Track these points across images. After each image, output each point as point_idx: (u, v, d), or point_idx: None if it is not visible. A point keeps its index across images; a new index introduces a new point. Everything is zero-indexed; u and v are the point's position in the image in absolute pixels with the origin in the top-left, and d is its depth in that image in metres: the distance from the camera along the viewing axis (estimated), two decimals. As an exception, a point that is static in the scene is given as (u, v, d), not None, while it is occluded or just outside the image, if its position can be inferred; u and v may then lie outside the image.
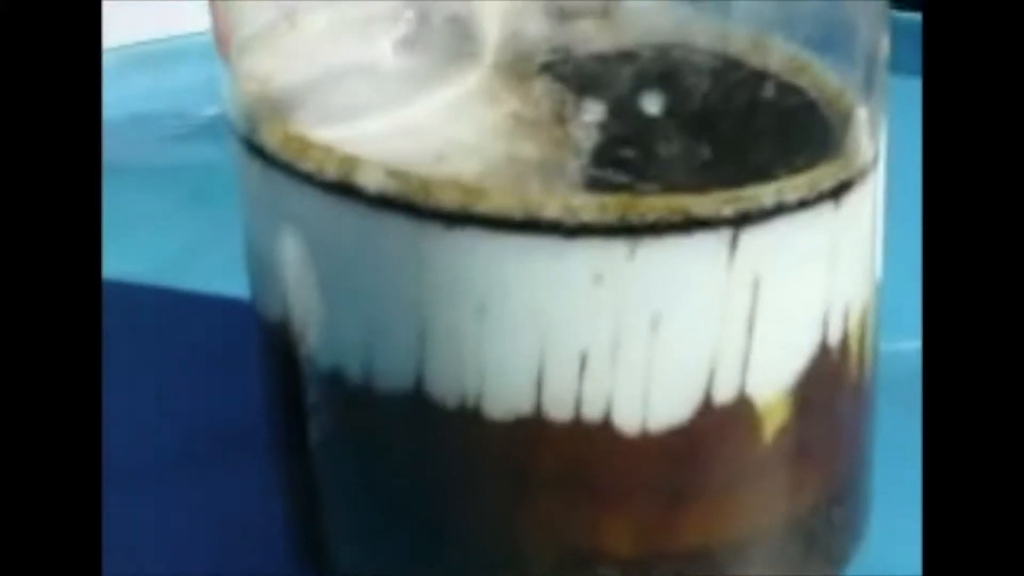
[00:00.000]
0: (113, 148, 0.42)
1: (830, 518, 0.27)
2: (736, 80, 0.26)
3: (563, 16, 0.26)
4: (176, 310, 0.36)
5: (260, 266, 0.26)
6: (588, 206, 0.23)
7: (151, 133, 0.44)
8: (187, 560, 0.30)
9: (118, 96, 0.43)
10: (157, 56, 0.46)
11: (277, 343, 0.26)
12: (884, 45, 0.26)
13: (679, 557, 0.25)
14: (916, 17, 0.33)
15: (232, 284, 0.28)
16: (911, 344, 0.28)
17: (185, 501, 0.31)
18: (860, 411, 0.27)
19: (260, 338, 0.27)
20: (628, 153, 0.24)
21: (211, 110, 0.42)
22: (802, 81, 0.26)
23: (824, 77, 0.26)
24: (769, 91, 0.26)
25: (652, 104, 0.24)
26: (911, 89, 0.28)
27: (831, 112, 0.25)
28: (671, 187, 0.23)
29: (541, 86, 0.25)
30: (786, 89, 0.26)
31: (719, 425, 0.24)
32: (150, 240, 0.38)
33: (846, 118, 0.25)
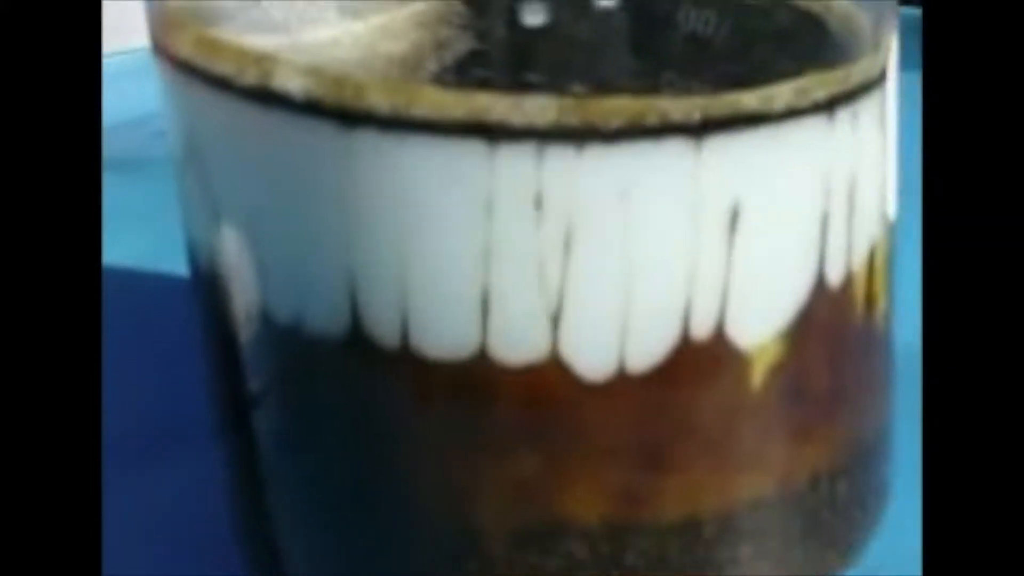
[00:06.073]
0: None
1: (834, 493, 0.23)
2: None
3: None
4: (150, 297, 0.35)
5: (185, 199, 0.23)
6: (543, 107, 0.20)
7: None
8: (132, 560, 0.27)
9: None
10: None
11: (206, 290, 0.23)
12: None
13: (657, 531, 0.22)
14: (916, 12, 0.33)
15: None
16: (911, 338, 0.25)
17: (131, 496, 0.29)
18: (871, 368, 0.23)
19: (193, 288, 0.24)
20: (584, 64, 0.21)
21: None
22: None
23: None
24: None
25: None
26: (911, 84, 0.25)
27: (828, 20, 0.22)
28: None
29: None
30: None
31: (699, 366, 0.21)
32: (131, 233, 0.37)
33: (843, 27, 0.22)
